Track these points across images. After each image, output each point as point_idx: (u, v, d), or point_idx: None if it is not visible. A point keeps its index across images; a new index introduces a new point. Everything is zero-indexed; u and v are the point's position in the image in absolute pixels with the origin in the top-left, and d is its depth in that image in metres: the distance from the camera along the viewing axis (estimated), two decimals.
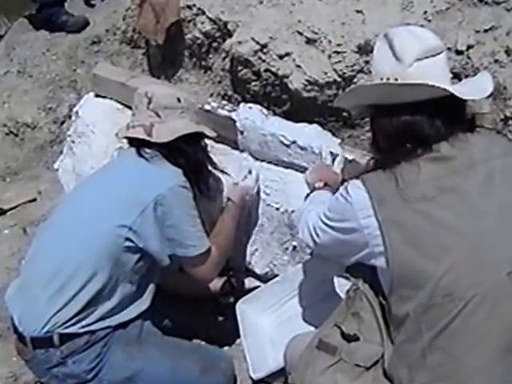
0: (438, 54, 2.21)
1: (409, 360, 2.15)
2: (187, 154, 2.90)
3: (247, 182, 3.19)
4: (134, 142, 2.91)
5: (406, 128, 2.17)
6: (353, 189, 2.22)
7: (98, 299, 2.73)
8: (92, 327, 2.73)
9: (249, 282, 3.39)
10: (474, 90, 2.25)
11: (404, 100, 2.16)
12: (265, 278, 3.37)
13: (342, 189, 2.32)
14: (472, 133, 2.23)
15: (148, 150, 2.85)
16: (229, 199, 3.15)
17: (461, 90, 2.17)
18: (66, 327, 2.69)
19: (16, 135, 4.25)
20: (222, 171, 3.23)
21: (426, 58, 2.18)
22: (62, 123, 4.23)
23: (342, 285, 2.69)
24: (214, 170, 3.16)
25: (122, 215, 2.73)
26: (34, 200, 3.93)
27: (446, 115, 2.17)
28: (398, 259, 2.10)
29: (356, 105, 2.41)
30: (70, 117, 4.03)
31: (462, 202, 2.10)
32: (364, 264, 2.28)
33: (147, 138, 2.84)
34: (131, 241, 2.73)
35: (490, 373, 2.07)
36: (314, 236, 2.44)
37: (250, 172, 3.20)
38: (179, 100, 2.91)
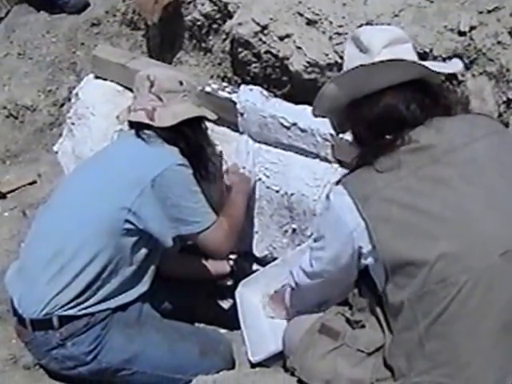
0: (405, 43, 2.25)
1: (407, 349, 2.15)
2: (188, 138, 2.90)
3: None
4: (134, 125, 2.91)
5: (385, 114, 2.19)
6: (335, 196, 2.23)
7: (98, 282, 2.75)
8: (91, 309, 2.75)
9: (248, 266, 3.39)
10: (445, 66, 2.37)
11: (377, 86, 2.18)
12: (264, 261, 3.36)
13: (324, 201, 2.34)
14: (451, 117, 2.24)
15: (147, 132, 2.85)
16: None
17: (432, 64, 2.23)
18: (66, 309, 2.71)
19: (16, 118, 4.24)
20: (219, 155, 3.23)
21: (393, 45, 2.21)
22: (62, 106, 4.22)
23: None
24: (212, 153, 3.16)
25: (120, 197, 2.74)
26: (34, 183, 3.92)
27: (420, 99, 2.20)
28: (389, 254, 2.10)
29: (333, 106, 2.37)
30: (69, 99, 4.01)
31: (446, 190, 2.09)
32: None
33: (150, 123, 2.84)
34: (131, 222, 2.74)
35: (490, 356, 2.07)
36: (308, 269, 2.44)
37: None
38: (181, 83, 2.90)
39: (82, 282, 2.71)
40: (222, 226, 2.89)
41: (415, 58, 2.26)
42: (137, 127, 2.88)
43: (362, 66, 2.17)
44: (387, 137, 2.18)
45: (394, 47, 2.21)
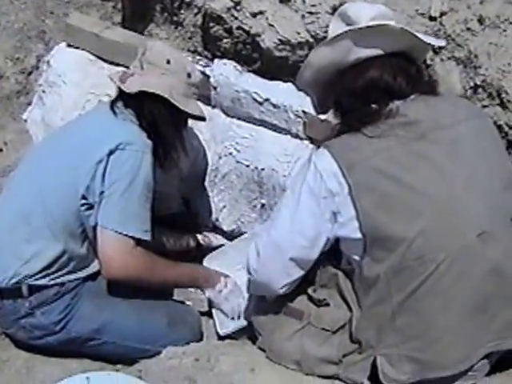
0: (391, 19, 2.29)
1: (378, 322, 2.20)
2: (146, 116, 2.83)
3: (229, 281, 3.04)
4: (116, 94, 2.90)
5: (371, 84, 2.22)
6: (318, 158, 2.23)
7: (66, 254, 2.74)
8: (62, 279, 2.74)
9: (216, 240, 3.40)
10: (430, 38, 2.42)
11: (363, 54, 2.21)
12: (232, 235, 3.40)
13: (304, 163, 2.32)
14: (435, 96, 2.29)
15: (119, 105, 2.83)
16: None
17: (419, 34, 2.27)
18: (36, 279, 2.70)
19: None
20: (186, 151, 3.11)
21: (380, 19, 2.24)
22: (30, 74, 4.14)
23: None
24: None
25: (80, 170, 2.71)
26: (0, 151, 3.87)
27: (406, 71, 2.24)
28: (370, 223, 2.13)
29: (318, 76, 2.38)
30: (37, 67, 3.96)
31: (431, 167, 2.14)
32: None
33: (118, 84, 2.83)
34: (85, 198, 2.72)
35: (459, 332, 2.14)
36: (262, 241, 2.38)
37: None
38: (168, 62, 2.84)
39: (49, 254, 2.71)
40: (140, 254, 2.73)
41: None
42: (115, 98, 2.88)
43: (350, 30, 2.20)
44: (373, 106, 2.21)
45: (381, 21, 2.23)
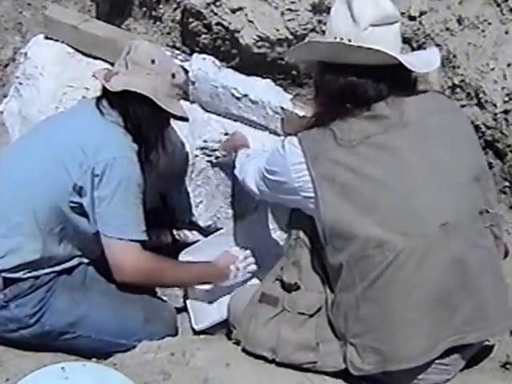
0: (394, 23, 2.24)
1: (344, 310, 2.23)
2: (135, 116, 2.81)
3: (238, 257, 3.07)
4: (101, 92, 2.87)
5: (351, 89, 2.22)
6: (289, 145, 2.29)
7: (43, 252, 2.72)
8: (37, 272, 2.72)
9: (192, 235, 3.40)
10: (423, 62, 2.31)
11: (353, 61, 2.20)
12: (208, 231, 3.38)
13: (279, 143, 2.39)
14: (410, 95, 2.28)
15: (105, 104, 2.81)
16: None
17: (410, 61, 2.22)
18: (11, 272, 2.68)
19: None
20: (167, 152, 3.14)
21: (381, 25, 2.20)
22: (6, 66, 4.13)
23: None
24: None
25: (67, 170, 2.69)
26: None
27: (390, 81, 2.21)
28: (330, 214, 2.17)
29: (305, 59, 2.47)
30: (14, 60, 3.95)
31: (392, 158, 2.16)
32: (304, 214, 2.35)
33: (103, 82, 2.80)
34: (75, 197, 2.71)
35: (420, 324, 2.16)
36: (259, 185, 2.54)
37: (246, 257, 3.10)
38: (153, 62, 2.81)
39: (26, 249, 2.69)
40: (144, 257, 2.77)
41: (399, 39, 2.28)
42: (100, 96, 2.84)
43: (340, 43, 2.19)
44: (347, 105, 2.22)
45: (381, 28, 2.19)
